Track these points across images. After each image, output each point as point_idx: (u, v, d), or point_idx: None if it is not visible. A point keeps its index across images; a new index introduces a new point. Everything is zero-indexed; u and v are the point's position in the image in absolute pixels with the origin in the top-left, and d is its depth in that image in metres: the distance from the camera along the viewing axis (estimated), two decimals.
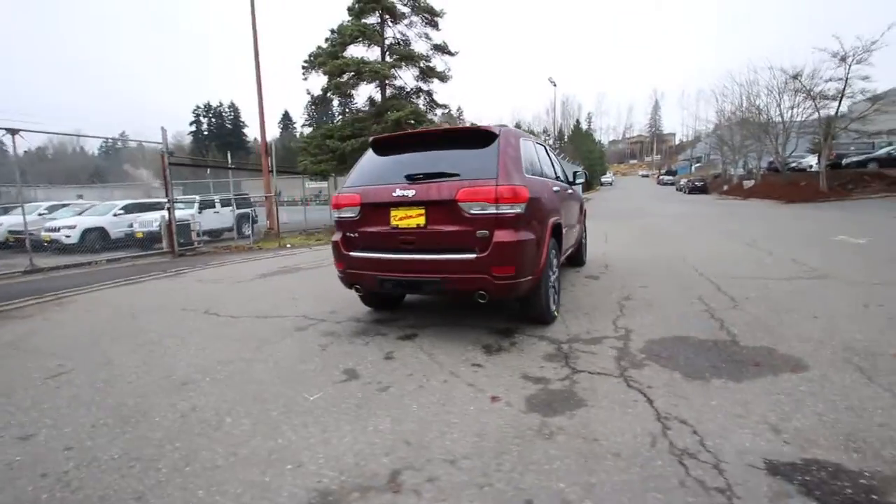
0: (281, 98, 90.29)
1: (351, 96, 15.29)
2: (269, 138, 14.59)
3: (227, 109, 73.14)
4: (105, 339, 3.71)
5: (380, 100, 15.46)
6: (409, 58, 14.46)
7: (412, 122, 13.58)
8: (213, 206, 14.67)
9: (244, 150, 61.32)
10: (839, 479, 1.64)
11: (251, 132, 70.54)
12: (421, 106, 15.13)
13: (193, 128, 71.72)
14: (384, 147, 3.62)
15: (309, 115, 26.02)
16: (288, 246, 11.52)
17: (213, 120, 72.54)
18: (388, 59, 14.77)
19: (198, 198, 13.80)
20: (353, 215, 3.40)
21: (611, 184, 59.96)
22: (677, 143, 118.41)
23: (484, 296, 3.05)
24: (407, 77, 15.83)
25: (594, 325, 3.56)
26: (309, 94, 15.31)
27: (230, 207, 15.17)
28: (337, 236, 3.54)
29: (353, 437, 2.04)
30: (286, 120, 75.22)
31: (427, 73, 15.01)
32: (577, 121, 73.70)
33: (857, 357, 2.71)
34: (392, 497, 1.62)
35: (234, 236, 13.98)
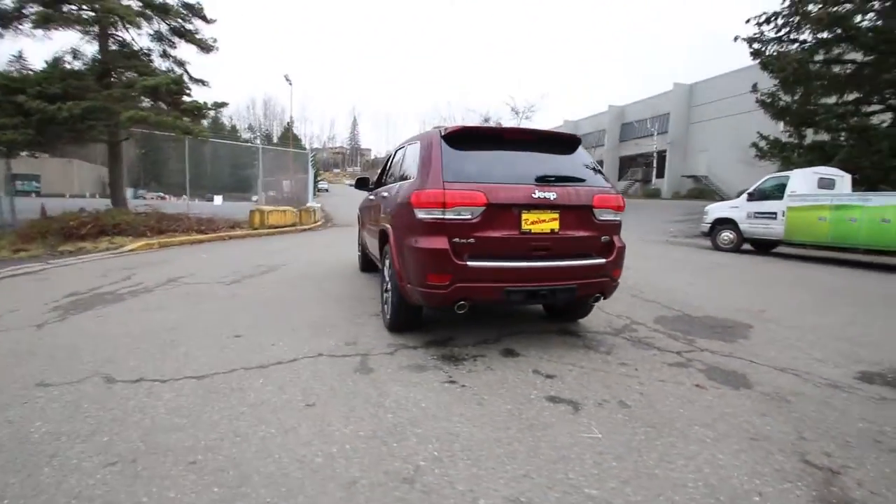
0: None
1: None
2: None
3: None
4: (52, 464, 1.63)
5: (98, 53, 11.01)
6: (161, 10, 10.87)
7: (175, 93, 10.34)
8: None
9: None
10: None
11: None
12: (169, 74, 11.62)
13: None
14: (462, 140, 3.10)
15: None
16: None
17: None
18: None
19: None
20: (469, 217, 2.80)
21: (327, 190, 61.38)
22: (373, 157, 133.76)
23: (599, 298, 3.20)
24: (135, 33, 11.87)
25: (599, 316, 4.18)
26: None
27: None
28: (435, 242, 2.80)
29: (711, 455, 1.96)
30: None
31: (181, 35, 11.68)
32: (289, 122, 71.43)
33: (754, 315, 4.42)
34: (833, 476, 1.79)
35: None
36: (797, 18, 12.99)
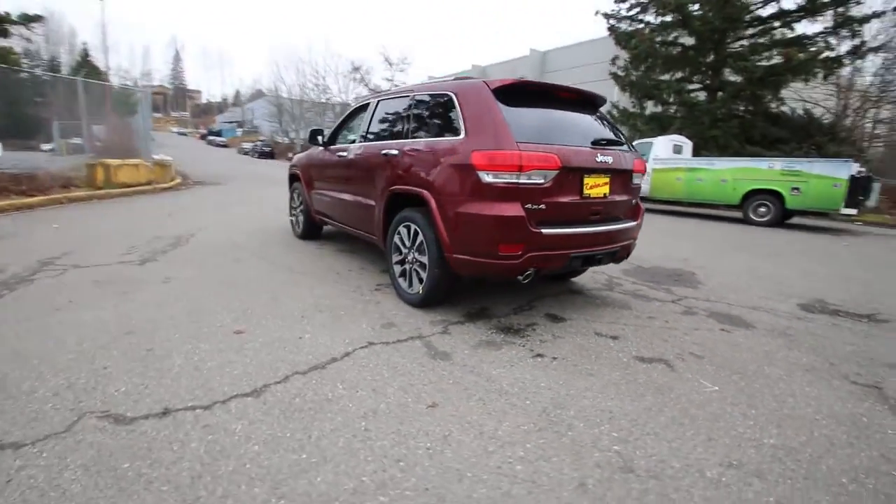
0: None
1: None
2: None
3: None
4: None
5: None
6: None
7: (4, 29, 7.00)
8: None
9: None
10: (828, 306, 3.74)
11: None
12: None
13: None
14: (512, 96, 2.81)
15: None
16: None
17: None
18: None
19: None
20: (542, 181, 2.60)
21: (153, 139, 50.79)
22: (205, 101, 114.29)
23: (623, 258, 3.37)
24: None
25: (582, 274, 4.47)
26: None
27: None
28: (509, 209, 2.54)
29: (799, 389, 2.31)
30: None
31: None
32: (86, 51, 55.03)
33: (686, 263, 5.22)
34: (880, 391, 2.30)
35: None
36: (647, 1, 14.95)
